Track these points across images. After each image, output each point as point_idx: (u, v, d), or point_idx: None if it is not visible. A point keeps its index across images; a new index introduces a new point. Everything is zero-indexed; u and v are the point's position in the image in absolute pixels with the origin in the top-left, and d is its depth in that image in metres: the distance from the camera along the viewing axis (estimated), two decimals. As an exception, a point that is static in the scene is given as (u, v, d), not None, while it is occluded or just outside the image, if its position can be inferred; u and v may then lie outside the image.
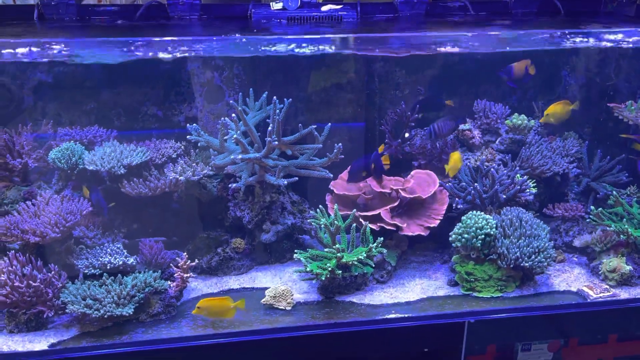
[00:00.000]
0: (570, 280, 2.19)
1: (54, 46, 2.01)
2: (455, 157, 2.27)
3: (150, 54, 2.07)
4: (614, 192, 2.31)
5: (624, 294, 2.09)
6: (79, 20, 2.33)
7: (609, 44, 2.31)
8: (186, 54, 2.24)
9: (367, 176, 2.23)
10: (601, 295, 2.07)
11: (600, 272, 2.18)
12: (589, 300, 2.06)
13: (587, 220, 2.30)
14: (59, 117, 2.44)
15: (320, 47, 2.20)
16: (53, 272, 1.93)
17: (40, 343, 1.84)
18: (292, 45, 2.14)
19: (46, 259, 2.00)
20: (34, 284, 1.85)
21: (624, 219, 2.23)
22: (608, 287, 2.11)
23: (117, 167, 2.19)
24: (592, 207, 2.28)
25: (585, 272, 2.24)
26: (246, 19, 2.38)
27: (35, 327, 1.90)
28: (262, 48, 2.15)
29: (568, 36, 2.17)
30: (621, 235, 2.17)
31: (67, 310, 1.88)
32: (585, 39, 2.26)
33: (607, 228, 2.21)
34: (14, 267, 1.87)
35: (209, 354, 1.91)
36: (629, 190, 2.40)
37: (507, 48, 2.25)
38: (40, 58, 2.06)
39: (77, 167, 2.23)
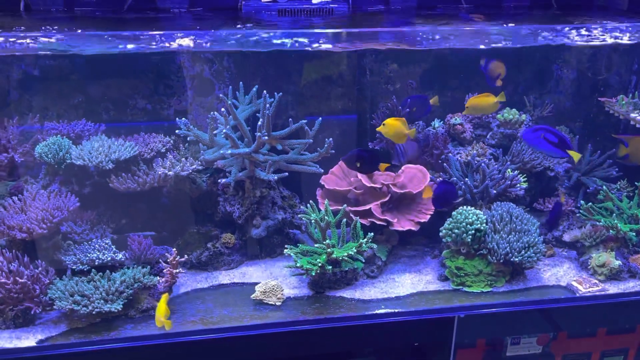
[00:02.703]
0: (559, 274, 2.20)
1: (42, 39, 1.98)
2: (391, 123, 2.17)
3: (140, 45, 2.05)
4: (604, 187, 2.31)
5: (612, 288, 2.11)
6: (65, 11, 2.29)
7: (597, 38, 2.30)
8: (176, 48, 2.21)
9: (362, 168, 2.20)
10: (590, 289, 2.08)
11: (589, 267, 2.19)
12: (578, 295, 2.07)
13: (577, 214, 2.31)
14: (46, 110, 2.40)
15: (312, 41, 2.18)
16: (40, 269, 1.91)
17: (28, 339, 1.82)
18: (283, 40, 2.11)
19: (33, 255, 1.98)
20: (20, 280, 1.83)
21: (614, 214, 2.24)
22: (597, 281, 2.12)
23: (105, 162, 2.17)
24: (582, 202, 2.28)
25: (575, 267, 2.25)
26: (236, 10, 2.35)
27: (23, 323, 1.88)
28: (252, 40, 2.12)
29: (558, 32, 2.17)
30: (610, 230, 2.18)
31: (55, 307, 1.88)
32: (575, 35, 2.25)
33: (597, 223, 2.22)
34: (0, 263, 1.85)
35: (198, 349, 1.90)
36: (619, 185, 2.41)
37: (494, 44, 2.24)
38: (30, 51, 2.02)
39: (64, 161, 2.21)
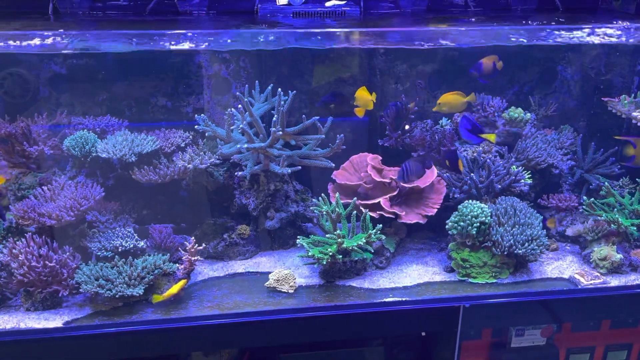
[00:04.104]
0: (562, 267, 2.27)
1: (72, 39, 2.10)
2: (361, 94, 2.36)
3: (167, 44, 2.16)
4: (606, 184, 2.37)
5: (614, 281, 2.16)
6: (91, 14, 2.41)
7: (598, 40, 2.37)
8: (197, 47, 2.32)
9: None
10: (592, 282, 2.14)
11: (591, 260, 2.25)
12: (580, 287, 2.13)
13: (580, 210, 2.38)
14: (72, 107, 2.53)
15: (325, 40, 2.29)
16: (68, 254, 2.02)
17: (55, 321, 1.92)
18: (298, 39, 2.22)
19: (61, 242, 2.09)
20: (49, 264, 1.94)
21: (615, 209, 2.30)
22: (599, 274, 2.18)
23: (129, 155, 2.28)
24: (585, 198, 2.35)
25: (577, 260, 2.31)
26: (253, 14, 2.46)
27: (51, 305, 1.98)
28: (265, 40, 2.24)
29: (561, 32, 2.24)
30: (612, 225, 2.24)
31: (80, 290, 1.98)
32: (579, 35, 2.32)
33: (599, 218, 2.28)
34: (31, 248, 1.96)
35: (214, 333, 1.99)
36: (622, 182, 2.46)
37: (504, 42, 2.32)
38: (56, 50, 2.14)
39: (90, 154, 2.32)
